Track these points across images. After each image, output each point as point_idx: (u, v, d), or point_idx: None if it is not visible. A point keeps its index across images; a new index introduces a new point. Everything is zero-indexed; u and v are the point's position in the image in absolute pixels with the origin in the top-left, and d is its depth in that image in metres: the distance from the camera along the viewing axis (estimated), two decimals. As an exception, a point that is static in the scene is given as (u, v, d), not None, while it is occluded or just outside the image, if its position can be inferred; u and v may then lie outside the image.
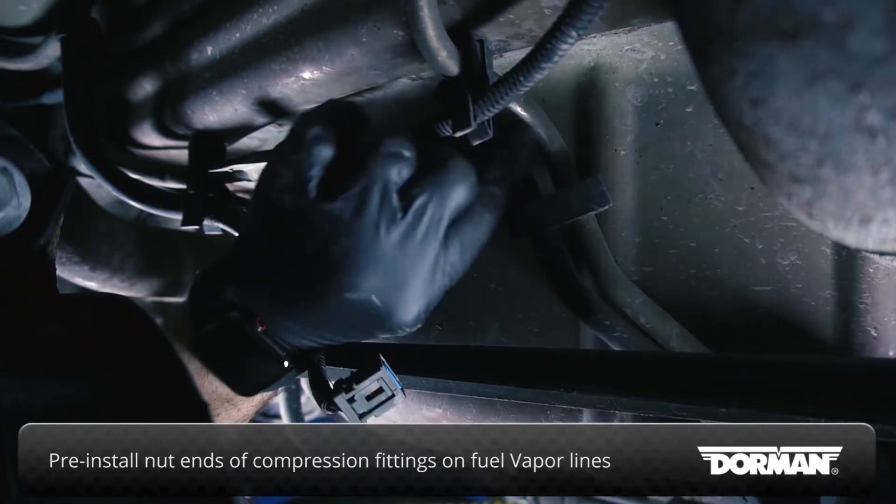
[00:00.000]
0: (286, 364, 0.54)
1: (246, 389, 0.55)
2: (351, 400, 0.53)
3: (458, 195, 0.51)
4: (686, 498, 1.21)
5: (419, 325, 0.54)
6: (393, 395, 0.54)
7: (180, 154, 0.82)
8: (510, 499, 1.41)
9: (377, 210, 0.49)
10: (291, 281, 0.51)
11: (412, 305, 0.51)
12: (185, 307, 0.56)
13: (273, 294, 0.52)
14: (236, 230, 0.70)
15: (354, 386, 0.53)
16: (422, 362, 0.55)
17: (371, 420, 0.54)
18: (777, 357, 0.40)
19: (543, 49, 0.41)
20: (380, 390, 0.54)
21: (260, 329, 0.52)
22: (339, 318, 0.52)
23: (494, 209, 0.53)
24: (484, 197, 0.53)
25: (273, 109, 0.66)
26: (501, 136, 0.54)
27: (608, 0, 0.37)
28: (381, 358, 0.53)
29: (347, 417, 0.54)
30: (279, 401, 1.13)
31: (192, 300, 0.56)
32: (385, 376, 0.53)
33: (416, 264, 0.50)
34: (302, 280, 0.51)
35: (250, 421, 0.63)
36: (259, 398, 0.59)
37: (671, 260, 0.55)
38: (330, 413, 0.55)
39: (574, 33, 0.39)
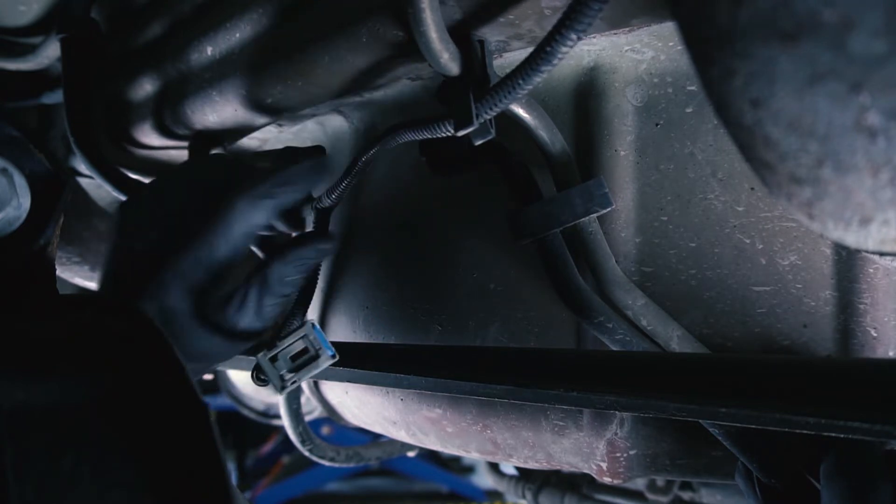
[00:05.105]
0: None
1: None
2: (274, 359, 0.50)
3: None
4: (686, 497, 1.21)
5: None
6: (317, 356, 0.50)
7: (180, 154, 0.82)
8: (510, 499, 1.41)
9: None
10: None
11: None
12: None
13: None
14: None
15: (277, 343, 0.50)
16: (422, 362, 0.55)
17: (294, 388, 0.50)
18: (777, 357, 0.40)
19: (543, 52, 0.41)
20: (305, 350, 0.50)
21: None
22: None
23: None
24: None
25: (273, 110, 0.66)
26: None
27: (606, 2, 0.37)
28: (311, 319, 0.51)
29: (271, 381, 0.50)
30: (279, 401, 1.13)
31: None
32: (311, 334, 0.50)
33: None
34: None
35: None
36: None
37: (671, 260, 0.55)
38: (260, 384, 0.51)
39: (574, 35, 0.39)
